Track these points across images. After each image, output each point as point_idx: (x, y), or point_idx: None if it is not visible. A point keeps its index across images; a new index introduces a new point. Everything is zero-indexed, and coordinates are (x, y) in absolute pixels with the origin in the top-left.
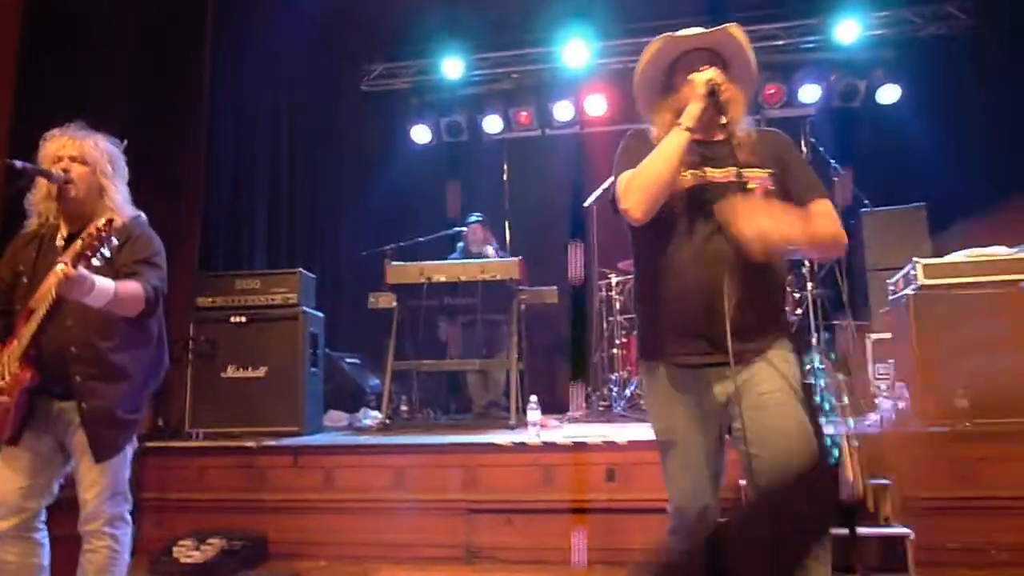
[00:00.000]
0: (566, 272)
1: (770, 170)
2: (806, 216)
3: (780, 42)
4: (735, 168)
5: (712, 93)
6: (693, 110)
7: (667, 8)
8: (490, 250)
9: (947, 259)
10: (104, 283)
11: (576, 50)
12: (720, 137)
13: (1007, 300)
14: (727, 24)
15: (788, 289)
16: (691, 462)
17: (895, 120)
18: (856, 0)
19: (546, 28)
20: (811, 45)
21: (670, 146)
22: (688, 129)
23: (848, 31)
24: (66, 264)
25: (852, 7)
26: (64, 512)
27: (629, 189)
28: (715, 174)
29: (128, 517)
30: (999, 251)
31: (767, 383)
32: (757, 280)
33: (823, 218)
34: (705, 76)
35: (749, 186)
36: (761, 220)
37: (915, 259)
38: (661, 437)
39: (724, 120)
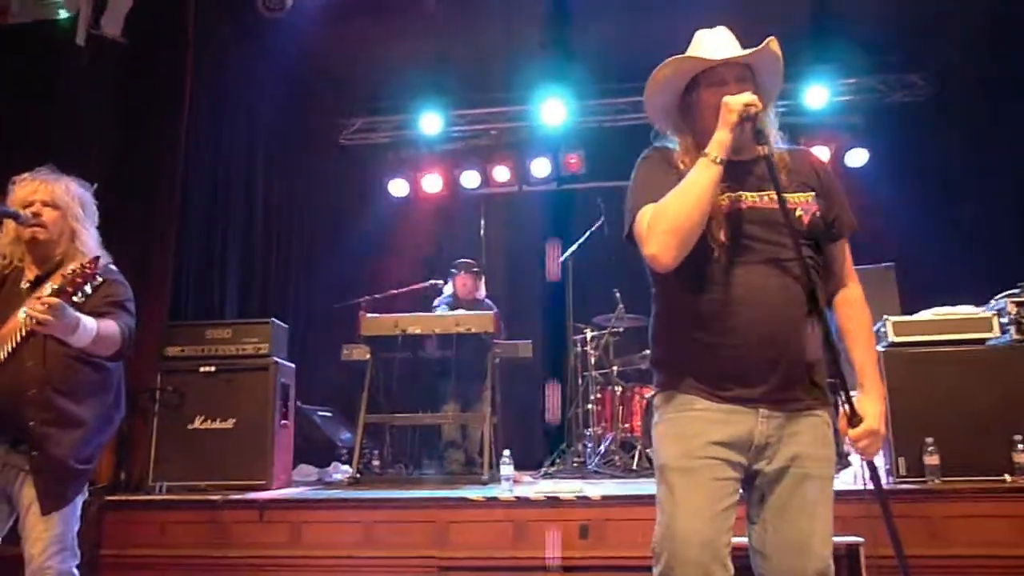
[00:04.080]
0: (540, 324)
1: (812, 193)
2: (841, 291)
3: None
4: (776, 193)
5: (748, 119)
6: (723, 139)
7: (644, 71)
8: (480, 297)
9: (916, 317)
10: (88, 320)
11: (554, 108)
12: (752, 156)
13: (975, 357)
14: (769, 39)
15: None
16: (714, 496)
17: (864, 182)
18: (825, 68)
19: (524, 86)
20: (782, 109)
21: (700, 182)
22: (720, 162)
23: (817, 96)
24: (45, 298)
25: (821, 74)
26: (8, 571)
27: (654, 232)
28: (753, 199)
29: (76, 573)
30: (967, 310)
31: (810, 467)
32: (809, 322)
33: (861, 310)
34: (742, 100)
35: (797, 213)
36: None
37: (885, 317)
38: (678, 464)
39: (763, 151)
